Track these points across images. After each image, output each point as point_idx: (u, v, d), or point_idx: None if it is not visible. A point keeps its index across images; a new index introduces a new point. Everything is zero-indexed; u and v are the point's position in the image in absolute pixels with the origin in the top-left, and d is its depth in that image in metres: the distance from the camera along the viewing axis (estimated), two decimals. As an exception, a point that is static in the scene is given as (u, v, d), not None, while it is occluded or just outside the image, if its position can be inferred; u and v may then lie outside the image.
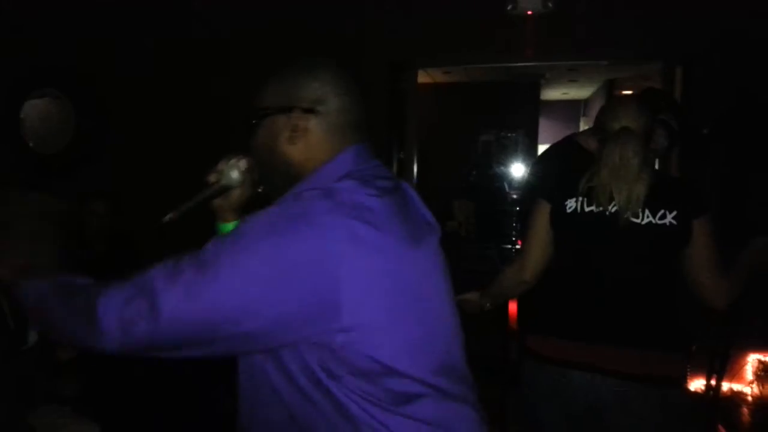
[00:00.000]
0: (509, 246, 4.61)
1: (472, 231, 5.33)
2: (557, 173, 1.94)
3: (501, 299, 2.13)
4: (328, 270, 0.93)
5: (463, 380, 1.10)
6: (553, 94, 9.19)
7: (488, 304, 2.08)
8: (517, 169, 6.89)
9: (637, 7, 3.58)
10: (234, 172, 1.26)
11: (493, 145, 7.30)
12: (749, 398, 3.56)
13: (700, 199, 1.74)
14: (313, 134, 1.10)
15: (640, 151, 1.73)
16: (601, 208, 1.76)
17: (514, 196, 3.32)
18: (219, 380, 3.20)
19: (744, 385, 3.57)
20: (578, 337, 1.75)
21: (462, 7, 3.77)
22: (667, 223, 1.71)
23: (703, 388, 2.92)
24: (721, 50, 3.43)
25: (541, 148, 8.90)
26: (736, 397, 3.56)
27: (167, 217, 1.22)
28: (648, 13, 3.55)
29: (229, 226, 1.34)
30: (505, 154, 7.24)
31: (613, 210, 1.74)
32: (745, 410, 3.52)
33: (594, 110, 9.60)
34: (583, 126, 10.28)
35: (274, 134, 1.12)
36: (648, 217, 1.72)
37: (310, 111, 1.10)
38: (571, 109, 9.96)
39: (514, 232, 3.16)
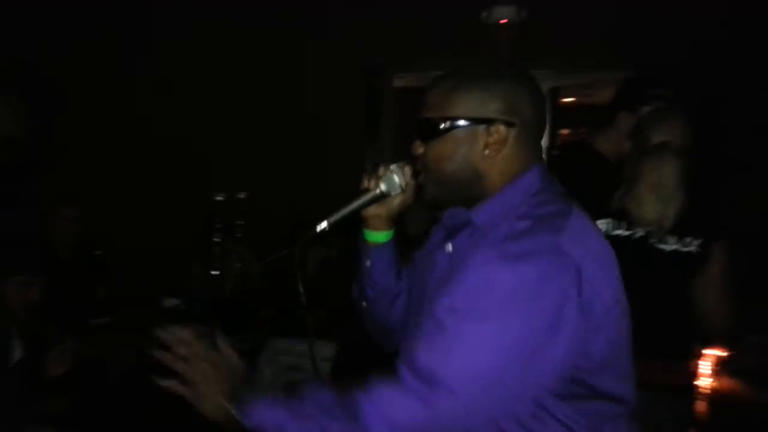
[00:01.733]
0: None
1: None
2: (579, 188, 1.90)
3: None
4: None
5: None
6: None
7: None
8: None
9: (607, 17, 3.72)
10: (397, 177, 1.19)
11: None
12: (706, 392, 3.76)
13: (720, 222, 1.78)
14: (508, 147, 1.07)
15: (679, 171, 1.73)
16: (628, 233, 1.77)
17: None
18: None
19: (701, 379, 3.76)
20: None
21: (437, 15, 3.82)
22: (693, 251, 1.74)
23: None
24: (689, 60, 3.59)
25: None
26: (694, 391, 3.74)
27: (321, 227, 1.17)
28: (618, 22, 3.69)
29: (381, 236, 1.26)
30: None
31: (639, 235, 1.75)
32: (702, 404, 3.71)
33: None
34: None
35: (466, 145, 1.07)
36: (674, 244, 1.74)
37: (510, 124, 1.06)
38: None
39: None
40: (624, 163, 2.00)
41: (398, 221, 1.28)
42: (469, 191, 1.09)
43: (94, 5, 3.90)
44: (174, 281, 3.37)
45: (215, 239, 3.10)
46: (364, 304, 1.31)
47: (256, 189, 3.22)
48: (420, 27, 3.87)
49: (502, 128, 1.05)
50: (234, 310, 3.11)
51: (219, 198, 3.23)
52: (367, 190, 1.19)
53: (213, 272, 3.19)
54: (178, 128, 4.00)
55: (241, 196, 3.18)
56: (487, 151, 1.06)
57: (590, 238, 1.04)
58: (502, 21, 3.76)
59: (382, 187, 1.19)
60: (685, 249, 1.75)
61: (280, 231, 3.47)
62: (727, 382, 3.61)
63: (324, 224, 1.17)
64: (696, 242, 1.75)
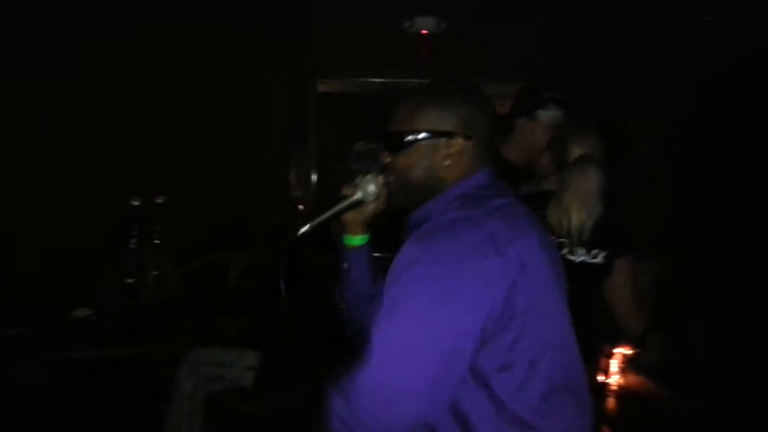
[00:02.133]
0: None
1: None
2: None
3: None
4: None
5: (581, 401, 1.23)
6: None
7: None
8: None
9: (523, 31, 3.86)
10: (371, 186, 1.30)
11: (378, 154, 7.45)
12: (614, 388, 3.96)
13: (627, 237, 1.85)
14: (465, 157, 1.21)
15: (601, 183, 1.79)
16: None
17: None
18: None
19: (608, 376, 3.96)
20: None
21: (361, 22, 3.85)
22: (599, 262, 1.81)
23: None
24: (592, 76, 3.79)
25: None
26: (602, 387, 3.93)
27: (302, 230, 1.25)
28: (533, 36, 3.84)
29: (357, 239, 1.37)
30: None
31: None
32: (611, 400, 3.90)
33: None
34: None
35: (430, 155, 1.20)
36: (583, 255, 1.80)
37: (467, 137, 1.20)
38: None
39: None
40: (537, 173, 2.07)
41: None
42: (431, 195, 1.22)
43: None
44: (86, 290, 3.22)
45: (131, 245, 2.98)
46: (343, 306, 1.42)
47: (175, 193, 3.13)
48: (344, 33, 3.89)
49: (460, 141, 1.20)
50: (150, 320, 3.00)
51: (135, 202, 3.10)
52: (346, 196, 1.31)
53: (127, 280, 3.06)
54: (92, 129, 3.84)
55: (159, 200, 3.07)
56: (447, 161, 1.20)
57: (529, 228, 1.14)
58: (423, 31, 3.84)
59: (359, 194, 1.31)
60: (592, 261, 1.81)
61: (201, 237, 3.39)
62: (633, 379, 3.82)
63: (306, 227, 1.27)
64: (602, 254, 1.81)
